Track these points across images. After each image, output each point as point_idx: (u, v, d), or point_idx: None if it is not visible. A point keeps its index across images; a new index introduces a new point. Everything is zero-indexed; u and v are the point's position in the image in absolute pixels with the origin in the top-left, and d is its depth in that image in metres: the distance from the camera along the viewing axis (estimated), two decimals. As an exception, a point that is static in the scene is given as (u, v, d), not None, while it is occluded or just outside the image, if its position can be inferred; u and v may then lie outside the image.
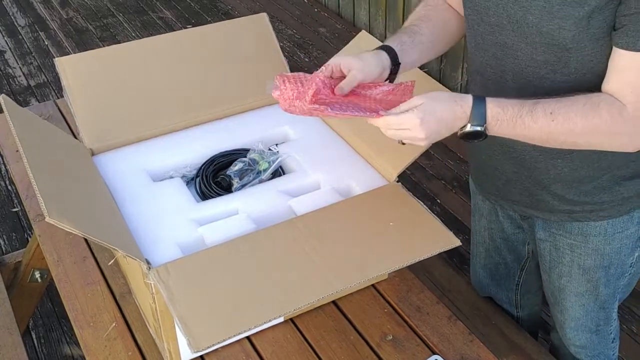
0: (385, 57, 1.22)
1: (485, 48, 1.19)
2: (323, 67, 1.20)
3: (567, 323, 1.41)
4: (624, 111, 1.03)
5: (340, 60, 1.19)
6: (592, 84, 1.09)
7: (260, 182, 1.40)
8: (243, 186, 1.39)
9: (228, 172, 1.41)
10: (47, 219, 1.00)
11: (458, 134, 1.10)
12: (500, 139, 1.12)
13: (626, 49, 1.01)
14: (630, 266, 1.31)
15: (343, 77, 1.19)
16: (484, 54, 1.20)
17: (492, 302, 1.46)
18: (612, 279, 1.31)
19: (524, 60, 1.12)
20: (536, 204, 1.28)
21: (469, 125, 1.08)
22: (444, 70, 3.47)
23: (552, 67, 1.10)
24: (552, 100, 1.07)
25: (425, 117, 1.06)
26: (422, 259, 1.18)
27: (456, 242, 1.20)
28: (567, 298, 1.37)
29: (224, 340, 1.06)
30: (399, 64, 1.24)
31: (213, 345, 1.04)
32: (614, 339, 1.45)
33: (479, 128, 1.07)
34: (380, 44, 1.27)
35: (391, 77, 1.25)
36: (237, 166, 1.41)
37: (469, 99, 1.08)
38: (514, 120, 1.07)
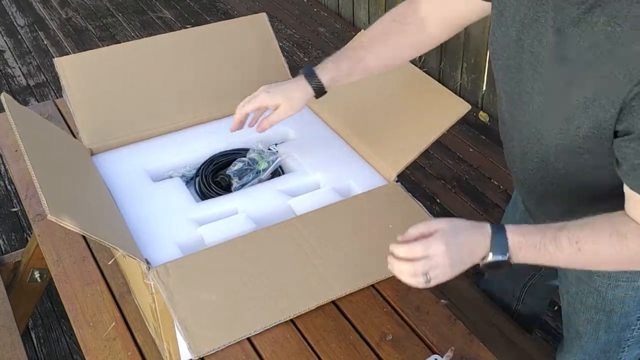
0: (309, 91, 1.25)
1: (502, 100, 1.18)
2: (246, 104, 1.26)
3: (564, 352, 1.40)
4: None
5: (266, 102, 1.24)
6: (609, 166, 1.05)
7: (260, 182, 1.40)
8: (242, 186, 1.39)
9: (227, 172, 1.40)
10: (49, 217, 1.00)
11: (480, 265, 1.04)
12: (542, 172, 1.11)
13: (635, 190, 0.96)
14: (638, 320, 1.25)
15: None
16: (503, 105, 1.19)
17: (492, 302, 1.46)
18: (615, 328, 1.27)
19: (541, 154, 1.10)
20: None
21: (490, 255, 1.02)
22: (443, 70, 3.47)
23: (564, 163, 1.08)
24: (575, 228, 1.01)
25: (449, 241, 1.02)
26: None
27: None
28: (571, 331, 1.35)
29: (224, 345, 1.06)
30: (325, 92, 1.26)
31: (213, 350, 1.04)
32: None
33: (500, 257, 1.02)
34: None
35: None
36: (236, 166, 1.41)
37: (487, 227, 1.04)
38: (537, 247, 1.01)
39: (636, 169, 0.94)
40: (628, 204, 1.00)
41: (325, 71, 1.25)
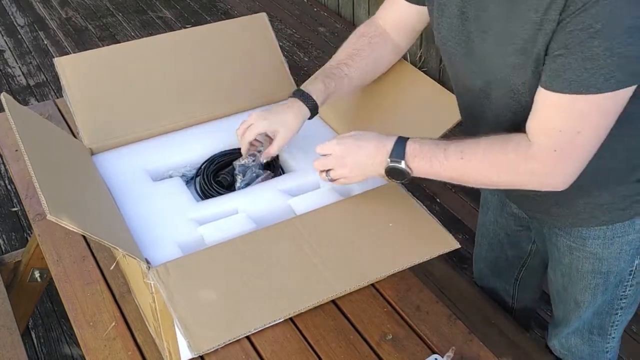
0: (305, 112, 1.31)
1: (461, 93, 1.24)
2: (246, 132, 1.32)
3: (558, 323, 1.42)
4: (530, 150, 1.03)
5: (265, 129, 1.31)
6: None
7: (260, 176, 1.39)
8: (247, 184, 1.38)
9: (234, 164, 1.39)
10: (49, 217, 1.00)
11: (384, 171, 1.16)
12: None
13: (543, 86, 1.00)
14: (630, 274, 1.29)
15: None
16: (462, 98, 1.25)
17: (492, 302, 1.47)
18: (610, 286, 1.30)
19: (493, 103, 1.14)
20: (544, 210, 1.28)
21: (388, 160, 1.14)
22: (443, 70, 3.47)
23: (514, 110, 1.11)
24: (467, 140, 1.10)
25: (348, 142, 1.17)
26: (421, 261, 1.18)
27: (455, 245, 1.20)
28: (568, 302, 1.36)
29: (224, 343, 1.06)
30: (317, 113, 1.34)
31: (213, 347, 1.04)
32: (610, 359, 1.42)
33: (397, 164, 1.13)
34: None
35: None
36: (241, 161, 1.40)
37: (393, 137, 1.15)
38: (429, 157, 1.11)
39: (565, 67, 0.96)
40: (534, 117, 1.04)
41: (317, 93, 1.32)
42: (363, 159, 1.17)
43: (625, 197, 1.18)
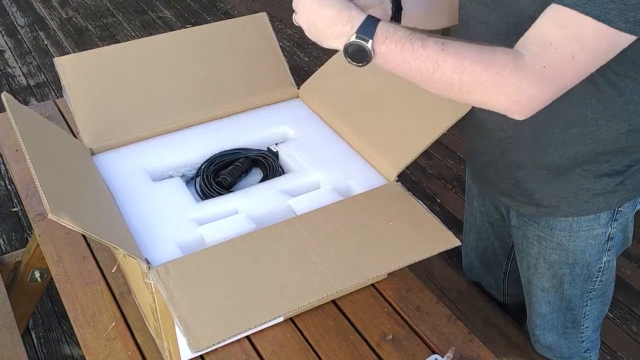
0: None
1: (474, 25, 1.18)
2: None
3: (532, 320, 1.41)
4: (519, 59, 0.97)
5: None
6: None
7: None
8: None
9: None
10: (50, 216, 1.00)
11: (343, 47, 1.02)
12: (475, 115, 1.15)
13: (555, 2, 0.96)
14: (599, 271, 1.29)
15: None
16: (472, 31, 1.19)
17: (492, 302, 1.47)
18: (578, 279, 1.30)
19: (502, 40, 1.10)
20: (509, 190, 1.29)
21: (354, 35, 1.00)
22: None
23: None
24: (448, 38, 1.02)
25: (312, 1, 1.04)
26: (421, 259, 1.18)
27: (455, 242, 1.20)
28: (534, 292, 1.37)
29: (224, 341, 1.06)
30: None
31: (213, 345, 1.04)
32: (587, 349, 1.42)
33: (363, 42, 1.00)
34: None
35: (397, 16, 1.22)
36: None
37: (362, 13, 1.03)
38: (402, 41, 0.99)
39: None
40: (533, 28, 0.98)
41: None
42: (318, 22, 1.04)
43: (589, 190, 1.20)
